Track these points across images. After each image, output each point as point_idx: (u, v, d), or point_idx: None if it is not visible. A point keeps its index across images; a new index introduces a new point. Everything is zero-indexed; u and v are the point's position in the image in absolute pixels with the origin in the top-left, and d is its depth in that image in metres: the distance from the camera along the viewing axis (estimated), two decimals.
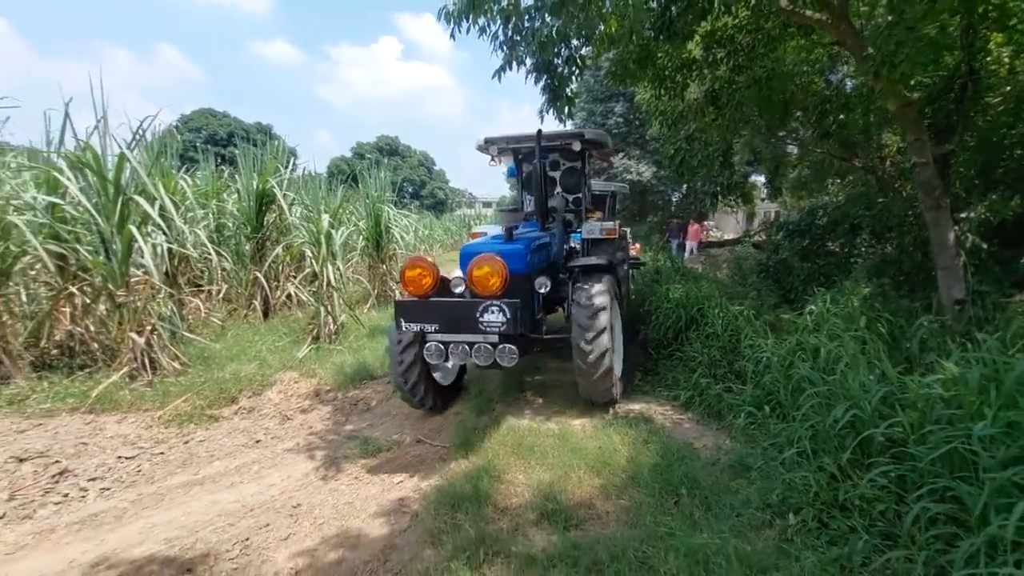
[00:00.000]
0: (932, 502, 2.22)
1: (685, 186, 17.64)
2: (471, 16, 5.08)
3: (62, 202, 5.30)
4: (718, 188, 7.70)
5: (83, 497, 3.51)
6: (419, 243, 12.97)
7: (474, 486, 3.13)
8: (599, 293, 3.99)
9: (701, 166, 7.04)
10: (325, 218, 7.48)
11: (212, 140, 32.93)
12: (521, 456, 3.48)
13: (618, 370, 4.26)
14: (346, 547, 2.77)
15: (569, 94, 5.83)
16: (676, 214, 19.35)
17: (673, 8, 5.33)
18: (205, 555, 2.77)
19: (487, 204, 60.34)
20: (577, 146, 5.16)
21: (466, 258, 4.02)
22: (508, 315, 3.41)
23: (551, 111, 5.82)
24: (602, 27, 5.74)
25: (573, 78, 5.77)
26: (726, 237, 21.15)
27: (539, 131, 4.68)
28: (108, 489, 3.62)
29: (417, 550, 2.67)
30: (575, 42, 5.50)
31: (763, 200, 18.08)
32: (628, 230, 11.79)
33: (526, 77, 5.55)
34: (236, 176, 8.70)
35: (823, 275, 5.27)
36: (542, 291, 4.21)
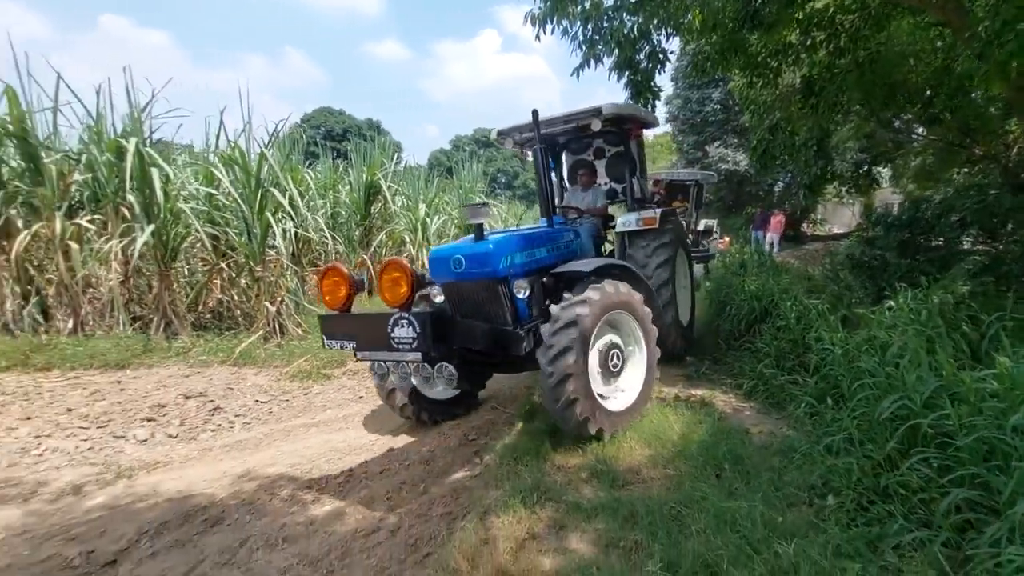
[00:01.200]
0: (964, 489, 2.28)
1: (789, 176, 16.52)
2: (554, 18, 5.43)
3: (216, 192, 6.49)
4: (809, 179, 7.32)
5: (231, 428, 4.46)
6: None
7: (535, 446, 3.56)
8: (570, 305, 3.43)
9: (785, 156, 6.78)
10: (422, 207, 8.26)
11: (330, 136, 36.09)
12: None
13: (628, 400, 3.75)
14: (428, 482, 3.34)
15: (653, 88, 5.99)
16: (776, 205, 18.11)
17: None
18: (319, 478, 3.47)
19: None
20: (597, 124, 4.57)
21: (434, 262, 3.80)
22: (416, 330, 2.84)
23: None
24: (689, 16, 5.80)
25: (657, 72, 5.92)
26: (836, 230, 19.51)
27: (535, 112, 4.22)
28: (248, 424, 4.54)
29: (483, 491, 3.16)
30: (658, 37, 5.63)
31: (889, 190, 16.36)
32: (715, 222, 11.36)
33: (608, 74, 5.80)
34: (349, 169, 9.80)
35: (921, 272, 4.96)
36: (521, 296, 3.71)
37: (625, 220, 4.85)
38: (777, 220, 15.18)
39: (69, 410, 4.53)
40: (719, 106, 18.66)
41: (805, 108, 6.28)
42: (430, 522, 2.91)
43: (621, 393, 3.82)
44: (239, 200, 6.04)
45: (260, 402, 4.95)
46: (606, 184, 5.82)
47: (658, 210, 4.92)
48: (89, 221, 5.92)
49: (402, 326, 2.89)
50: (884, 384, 3.08)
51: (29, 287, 5.72)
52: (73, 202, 6.02)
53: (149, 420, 4.44)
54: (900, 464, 2.69)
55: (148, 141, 6.14)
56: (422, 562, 2.57)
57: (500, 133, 5.05)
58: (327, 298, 3.14)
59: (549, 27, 5.55)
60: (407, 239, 9.10)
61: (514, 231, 4.31)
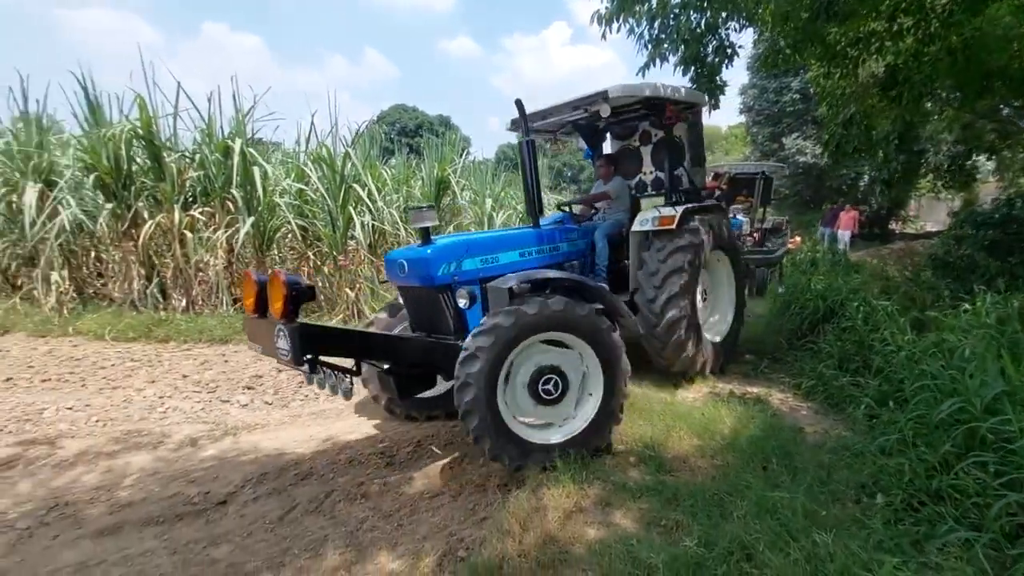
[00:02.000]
0: (1019, 493, 2.26)
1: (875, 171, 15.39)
2: (620, 17, 5.54)
3: (306, 188, 7.16)
4: (889, 174, 6.90)
5: (316, 398, 5.01)
6: None
7: None
8: (478, 334, 3.04)
9: (860, 151, 6.44)
10: (488, 202, 8.60)
11: (403, 132, 37.54)
12: (629, 414, 3.99)
13: (576, 427, 3.31)
14: (487, 460, 3.65)
15: (718, 83, 5.95)
16: (860, 201, 16.86)
17: None
18: (391, 446, 3.87)
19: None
20: (606, 110, 4.04)
21: (387, 265, 3.72)
22: (289, 343, 2.78)
23: None
24: (761, 8, 5.70)
25: (725, 66, 5.88)
26: (929, 228, 17.92)
27: (518, 102, 3.97)
28: (331, 397, 5.07)
29: (535, 470, 3.41)
30: (726, 31, 5.60)
31: (995, 184, 14.84)
32: (784, 219, 10.80)
33: (674, 70, 5.83)
34: (422, 165, 10.34)
35: (1012, 274, 4.65)
36: (464, 305, 3.54)
37: (642, 219, 4.41)
38: (849, 216, 13.97)
39: (184, 376, 5.27)
40: (798, 95, 17.65)
41: (885, 100, 5.97)
42: (487, 491, 3.21)
43: (568, 421, 3.37)
44: (325, 195, 6.66)
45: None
46: (651, 173, 5.23)
47: (679, 208, 4.38)
48: (200, 213, 6.76)
49: (280, 337, 2.84)
50: (948, 388, 3.03)
51: (152, 270, 6.64)
52: (188, 196, 6.89)
53: (249, 388, 5.08)
54: (954, 467, 2.67)
55: (250, 142, 6.90)
56: (479, 524, 2.87)
57: (515, 122, 4.58)
58: (245, 303, 3.11)
59: (615, 26, 5.67)
60: (474, 231, 9.51)
61: (476, 234, 4.28)
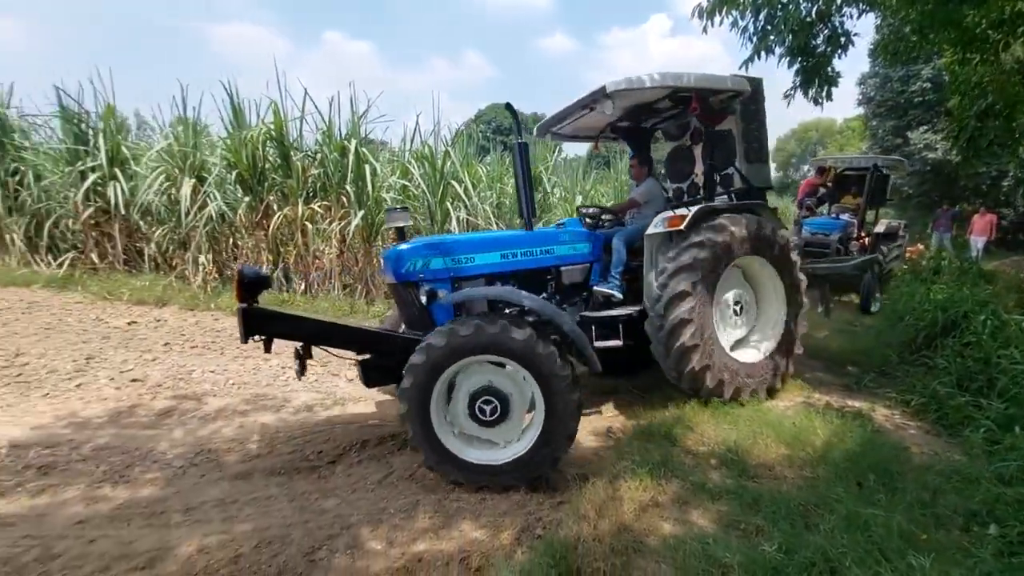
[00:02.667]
0: None
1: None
2: (723, 10, 5.38)
3: (409, 184, 7.71)
4: None
5: None
6: None
7: (667, 429, 3.79)
8: (419, 348, 3.01)
9: (996, 145, 5.66)
10: (579, 199, 8.69)
11: (499, 130, 38.38)
12: (714, 417, 3.94)
13: (519, 449, 3.17)
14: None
15: (830, 75, 5.58)
16: (1002, 203, 14.64)
17: None
18: None
19: None
20: (608, 108, 3.92)
21: (384, 261, 3.86)
22: (239, 323, 3.11)
23: (802, 93, 5.68)
24: None
25: (837, 55, 5.50)
26: None
27: (508, 105, 3.93)
28: None
29: (614, 460, 3.51)
30: (839, 19, 5.24)
31: None
32: (901, 224, 9.52)
33: (778, 62, 5.55)
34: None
35: None
36: (424, 301, 3.58)
37: (657, 220, 4.13)
38: (985, 220, 12.27)
39: None
40: (929, 84, 15.67)
41: None
42: (564, 478, 3.36)
43: (511, 444, 3.25)
44: (426, 191, 7.15)
45: None
46: (702, 174, 4.73)
47: (692, 209, 3.99)
48: (319, 206, 7.55)
49: (239, 319, 3.14)
50: None
51: (278, 256, 7.54)
52: (309, 191, 7.71)
53: (355, 365, 5.63)
54: None
55: (363, 142, 7.57)
56: (556, 506, 3.02)
57: (540, 128, 4.72)
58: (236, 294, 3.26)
59: (717, 19, 5.51)
60: None
61: (457, 235, 4.57)
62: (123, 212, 7.62)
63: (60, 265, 7.94)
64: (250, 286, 3.17)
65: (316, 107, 7.74)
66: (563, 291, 4.23)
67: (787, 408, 4.19)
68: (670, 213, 4.09)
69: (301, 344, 3.53)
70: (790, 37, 5.42)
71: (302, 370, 3.53)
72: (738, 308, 4.35)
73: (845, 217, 9.05)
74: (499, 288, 3.78)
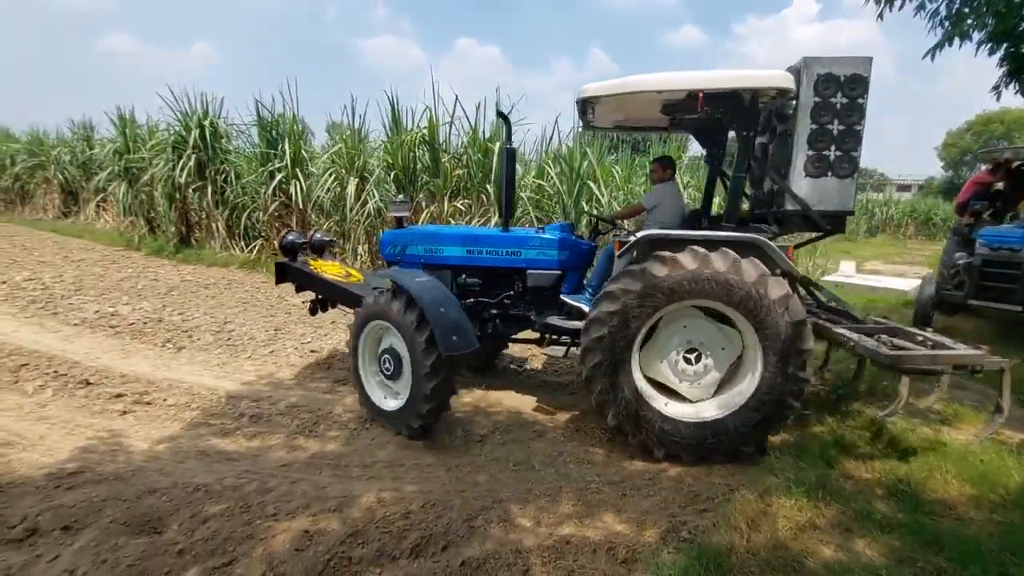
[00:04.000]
0: None
1: None
2: None
3: (545, 184, 7.96)
4: None
5: (543, 372, 5.64)
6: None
7: (822, 449, 3.54)
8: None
9: None
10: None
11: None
12: (879, 442, 3.61)
13: (401, 402, 3.94)
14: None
15: None
16: None
17: None
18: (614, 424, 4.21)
19: (904, 187, 47.40)
20: (591, 114, 4.07)
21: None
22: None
23: (1012, 85, 4.90)
24: None
25: None
26: None
27: (499, 112, 4.26)
28: (557, 371, 5.65)
29: (760, 475, 3.35)
30: None
31: None
32: None
33: (976, 50, 4.83)
34: (645, 162, 10.48)
35: None
36: None
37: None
38: None
39: None
40: None
41: None
42: (709, 485, 3.31)
43: (400, 393, 3.90)
44: (562, 191, 7.35)
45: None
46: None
47: (640, 234, 3.60)
48: (461, 204, 8.11)
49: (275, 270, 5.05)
50: None
51: None
52: (453, 190, 8.31)
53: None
54: None
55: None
56: (700, 513, 3.00)
57: (583, 100, 3.75)
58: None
59: (899, 2, 4.94)
60: None
61: (440, 228, 5.15)
62: (300, 207, 8.85)
63: (251, 251, 9.44)
64: (285, 250, 4.93)
65: (464, 112, 8.31)
66: (531, 294, 4.36)
67: (969, 443, 3.68)
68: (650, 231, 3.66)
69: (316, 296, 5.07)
70: (992, 20, 4.71)
71: (314, 310, 5.13)
72: (693, 357, 3.62)
73: None
74: (395, 270, 4.35)
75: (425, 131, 8.13)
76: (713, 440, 3.49)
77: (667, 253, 3.40)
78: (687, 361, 3.63)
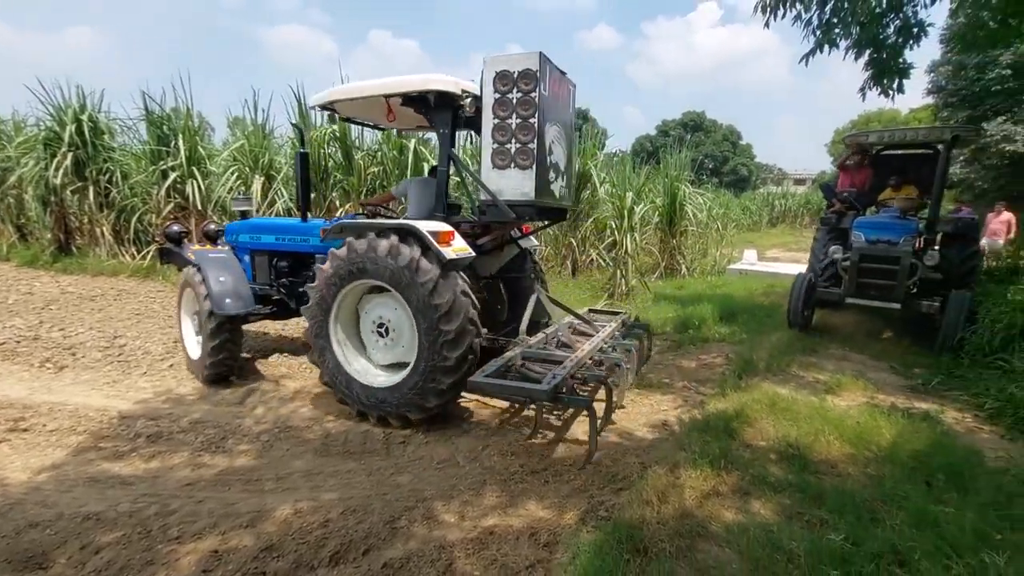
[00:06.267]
0: None
1: None
2: (787, 3, 5.31)
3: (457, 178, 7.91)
4: None
5: None
6: (712, 221, 13.02)
7: (725, 423, 3.83)
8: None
9: None
10: (629, 195, 8.69)
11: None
12: (774, 413, 3.95)
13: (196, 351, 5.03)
14: (623, 439, 3.91)
15: (901, 66, 5.41)
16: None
17: None
18: (531, 418, 4.30)
19: (799, 181, 52.72)
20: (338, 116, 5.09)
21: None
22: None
23: (874, 88, 5.53)
24: None
25: (909, 46, 5.33)
26: None
27: (294, 124, 5.06)
28: None
29: (671, 451, 3.58)
30: (911, 8, 5.07)
31: None
32: (973, 215, 8.49)
33: (844, 55, 5.42)
34: None
35: None
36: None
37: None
38: (1002, 221, 10.46)
39: None
40: (1008, 71, 14.65)
41: None
42: (625, 465, 3.47)
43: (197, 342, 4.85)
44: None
45: None
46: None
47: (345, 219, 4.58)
48: None
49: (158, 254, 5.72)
50: None
51: None
52: (368, 188, 8.06)
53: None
54: None
55: (420, 140, 7.86)
56: (616, 492, 3.15)
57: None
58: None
59: (780, 12, 5.44)
60: (612, 225, 9.65)
61: (266, 220, 5.64)
62: (199, 207, 8.20)
63: (144, 257, 8.62)
64: (169, 238, 5.11)
65: None
66: None
67: (849, 407, 4.14)
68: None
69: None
70: (857, 30, 5.29)
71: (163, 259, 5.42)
72: (383, 330, 4.11)
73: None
74: (202, 250, 4.96)
75: (335, 127, 7.81)
76: (386, 403, 3.95)
77: (349, 240, 3.87)
78: (379, 335, 4.14)
